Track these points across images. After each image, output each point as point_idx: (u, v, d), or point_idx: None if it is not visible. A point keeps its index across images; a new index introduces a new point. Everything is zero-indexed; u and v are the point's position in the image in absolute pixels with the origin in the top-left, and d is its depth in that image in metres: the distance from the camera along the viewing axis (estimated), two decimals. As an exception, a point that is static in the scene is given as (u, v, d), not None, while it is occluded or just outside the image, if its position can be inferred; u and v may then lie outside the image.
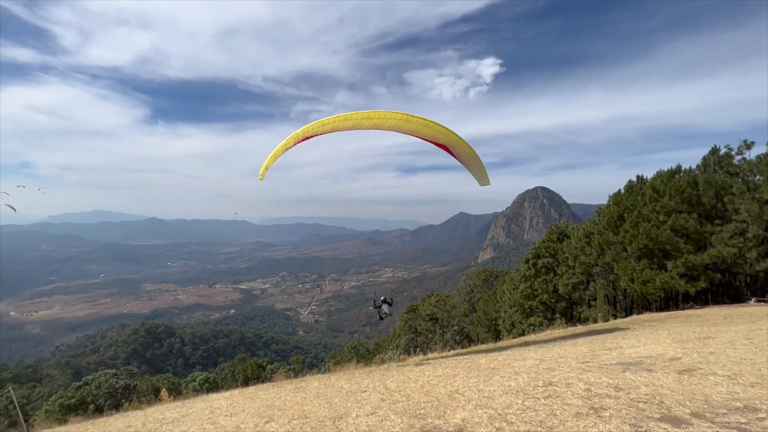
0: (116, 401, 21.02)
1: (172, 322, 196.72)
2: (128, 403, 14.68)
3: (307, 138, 9.81)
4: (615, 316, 22.60)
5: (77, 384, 23.29)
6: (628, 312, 23.62)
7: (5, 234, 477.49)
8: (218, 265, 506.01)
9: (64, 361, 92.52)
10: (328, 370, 14.01)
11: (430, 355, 14.43)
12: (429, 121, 9.49)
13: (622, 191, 24.67)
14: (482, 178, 11.16)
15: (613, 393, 5.44)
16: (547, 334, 17.10)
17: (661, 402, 4.94)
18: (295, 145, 9.74)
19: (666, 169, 23.78)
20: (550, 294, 27.39)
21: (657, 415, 4.54)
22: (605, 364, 7.21)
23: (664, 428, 4.22)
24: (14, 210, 32.53)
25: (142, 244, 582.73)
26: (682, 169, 23.60)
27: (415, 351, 24.21)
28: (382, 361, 13.92)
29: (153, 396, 19.56)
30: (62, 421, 12.99)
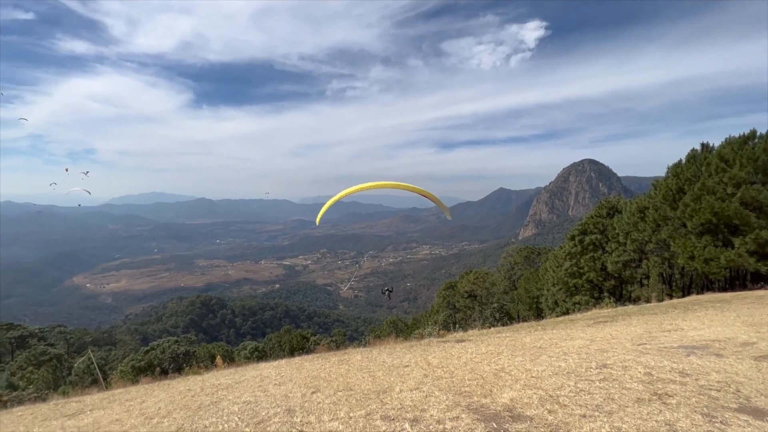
0: (178, 365, 23.11)
1: (224, 295, 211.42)
2: (188, 368, 16.00)
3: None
4: (671, 296, 21.12)
5: (145, 348, 25.81)
6: (686, 292, 21.96)
7: (79, 214, 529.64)
8: (263, 243, 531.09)
9: (133, 328, 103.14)
10: (369, 344, 14.33)
11: (470, 332, 14.26)
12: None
13: (683, 162, 22.44)
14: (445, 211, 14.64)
15: (678, 378, 5.00)
16: (595, 313, 16.24)
17: (738, 391, 4.48)
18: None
19: (737, 136, 21.24)
20: (597, 272, 26.05)
21: (734, 405, 4.10)
22: (665, 347, 6.66)
23: (744, 420, 3.79)
24: (89, 193, 35.65)
25: (193, 223, 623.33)
26: (757, 134, 20.93)
27: (454, 327, 24.21)
28: (422, 337, 13.98)
29: (209, 362, 21.24)
30: (134, 381, 14.39)
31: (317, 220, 13.44)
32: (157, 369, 21.90)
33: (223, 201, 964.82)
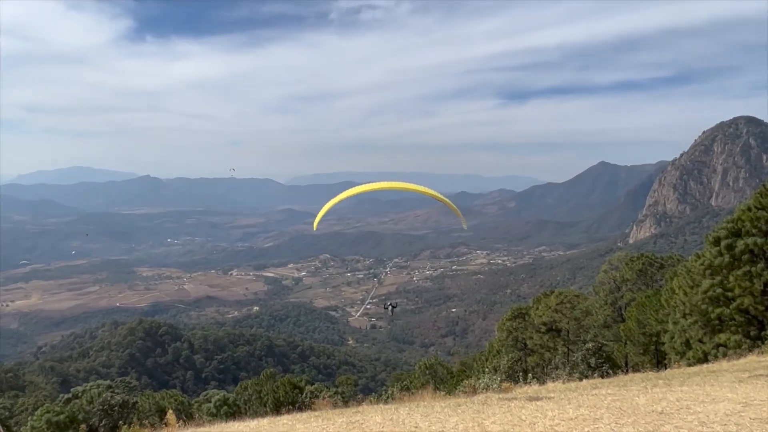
0: (113, 421, 24.20)
1: (178, 320, 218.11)
2: (127, 426, 16.70)
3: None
4: None
5: (66, 396, 27.16)
6: None
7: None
8: (234, 243, 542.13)
9: (48, 365, 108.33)
10: (394, 399, 14.48)
11: (549, 386, 14.20)
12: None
13: None
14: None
15: None
16: (751, 361, 16.13)
17: None
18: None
19: None
20: (756, 297, 25.17)
21: None
22: None
23: None
24: None
25: (134, 213, 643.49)
26: None
27: (525, 377, 24.08)
28: (474, 391, 14.01)
29: (157, 418, 22.08)
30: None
31: (315, 224, 17.76)
32: (83, 426, 23.00)
33: (177, 181, 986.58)
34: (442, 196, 18.20)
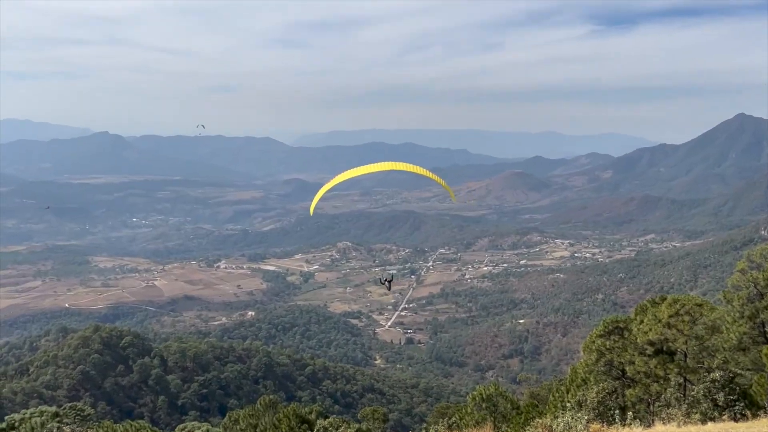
0: (61, 461, 24.87)
1: (146, 328, 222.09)
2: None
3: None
4: None
5: (0, 426, 28.01)
6: None
7: None
8: (222, 225, 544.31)
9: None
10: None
11: (658, 429, 14.03)
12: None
13: None
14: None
15: None
16: None
17: None
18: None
19: None
20: None
21: None
22: None
23: None
24: None
25: (87, 183, 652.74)
26: None
27: (622, 416, 23.81)
28: (552, 433, 13.94)
29: (119, 459, 22.64)
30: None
31: (311, 210, 20.69)
32: (22, 466, 23.74)
33: (146, 140, 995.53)
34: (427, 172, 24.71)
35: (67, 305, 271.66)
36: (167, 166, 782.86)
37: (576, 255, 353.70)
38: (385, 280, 42.44)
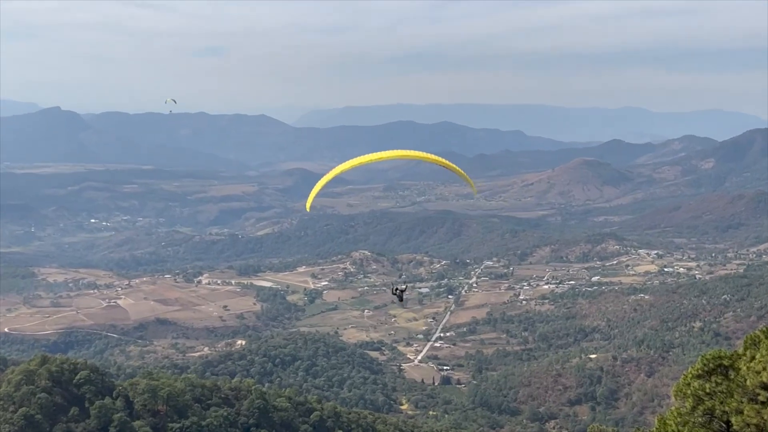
0: None
1: (107, 360, 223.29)
2: None
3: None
4: None
5: None
6: None
7: None
8: (205, 228, 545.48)
9: None
10: None
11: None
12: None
13: None
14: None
15: None
16: None
17: None
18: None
19: None
20: None
21: None
22: None
23: None
24: None
25: (33, 173, 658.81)
26: None
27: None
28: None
29: None
30: None
31: (307, 205, 22.59)
32: None
33: (108, 118, 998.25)
34: (449, 163, 25.80)
35: (6, 329, 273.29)
36: (135, 152, 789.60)
37: (666, 270, 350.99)
38: (397, 290, 44.01)
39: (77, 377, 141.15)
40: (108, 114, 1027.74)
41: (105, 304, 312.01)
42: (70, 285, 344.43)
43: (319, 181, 26.15)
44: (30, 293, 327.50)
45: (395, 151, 28.80)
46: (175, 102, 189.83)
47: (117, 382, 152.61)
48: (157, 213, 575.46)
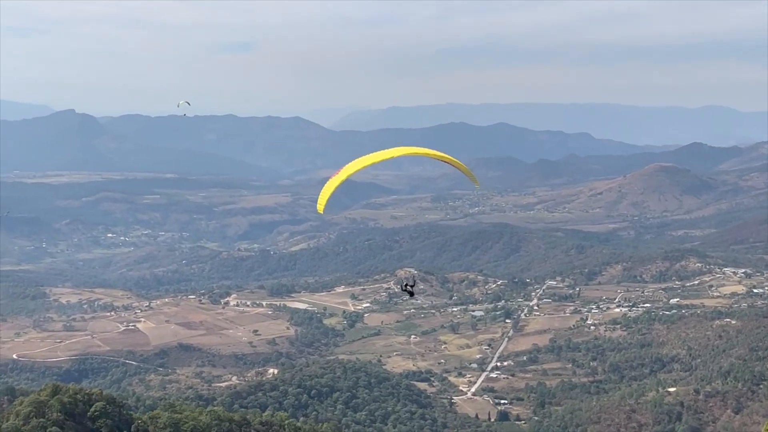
0: None
1: (124, 389, 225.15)
2: None
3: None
4: None
5: None
6: None
7: None
8: (233, 244, 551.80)
9: None
10: None
11: None
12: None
13: None
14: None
15: None
16: None
17: None
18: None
19: None
20: None
21: None
22: None
23: None
24: None
25: (45, 182, 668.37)
26: None
27: None
28: None
29: None
30: None
31: (319, 206, 23.76)
32: None
33: (126, 121, 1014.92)
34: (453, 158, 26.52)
35: (14, 356, 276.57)
36: (156, 159, 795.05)
37: (755, 291, 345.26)
38: (406, 285, 42.67)
39: (92, 409, 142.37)
40: (126, 117, 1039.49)
41: (123, 328, 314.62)
42: (85, 306, 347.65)
43: (329, 181, 26.55)
44: (41, 316, 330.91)
45: (395, 149, 29.06)
46: (189, 104, 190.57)
47: (136, 414, 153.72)
48: (180, 227, 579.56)
